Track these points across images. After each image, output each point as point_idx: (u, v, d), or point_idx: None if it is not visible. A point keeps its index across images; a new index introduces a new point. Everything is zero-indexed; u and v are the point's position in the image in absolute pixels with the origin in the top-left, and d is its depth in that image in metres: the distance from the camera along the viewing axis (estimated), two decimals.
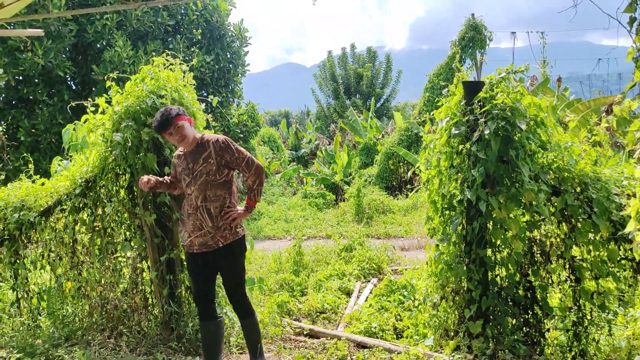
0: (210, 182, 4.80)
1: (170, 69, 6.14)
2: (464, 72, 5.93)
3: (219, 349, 5.06)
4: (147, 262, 6.06)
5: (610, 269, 5.01)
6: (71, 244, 6.28)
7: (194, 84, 6.36)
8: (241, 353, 5.75)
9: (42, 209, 6.30)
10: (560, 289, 5.31)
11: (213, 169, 4.81)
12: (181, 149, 4.94)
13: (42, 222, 6.28)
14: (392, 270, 9.89)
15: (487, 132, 5.11)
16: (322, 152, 28.38)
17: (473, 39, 21.50)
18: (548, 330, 5.38)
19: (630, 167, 5.12)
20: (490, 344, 5.19)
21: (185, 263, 4.99)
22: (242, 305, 5.02)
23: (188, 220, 4.83)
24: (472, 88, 5.44)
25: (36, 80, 16.77)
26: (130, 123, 5.71)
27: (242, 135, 22.42)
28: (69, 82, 17.88)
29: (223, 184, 4.87)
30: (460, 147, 5.41)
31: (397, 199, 19.84)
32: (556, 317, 5.34)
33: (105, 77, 6.25)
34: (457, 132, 5.44)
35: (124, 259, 6.20)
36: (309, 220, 17.54)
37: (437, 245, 5.65)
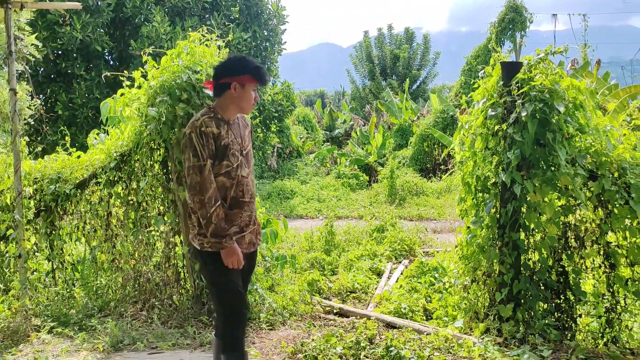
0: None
1: (206, 45, 6.20)
2: (501, 54, 5.89)
3: None
4: (179, 237, 6.17)
5: None
6: (106, 216, 6.42)
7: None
8: (270, 329, 5.84)
9: (77, 181, 6.44)
10: (593, 275, 5.28)
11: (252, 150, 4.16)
12: (210, 121, 3.76)
13: (78, 194, 6.42)
14: (423, 252, 9.90)
15: (524, 114, 5.08)
16: (356, 133, 28.31)
17: (513, 20, 21.16)
18: (580, 316, 5.37)
19: None
20: (520, 328, 5.20)
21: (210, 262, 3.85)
22: None
23: (241, 212, 3.93)
24: (510, 69, 5.41)
25: (74, 55, 16.97)
26: (165, 98, 5.78)
27: (276, 114, 22.49)
28: (106, 57, 18.07)
29: None
30: (496, 128, 5.39)
31: (431, 182, 19.78)
32: (589, 303, 5.31)
33: (142, 52, 6.33)
34: (493, 113, 5.42)
35: (157, 233, 6.31)
36: (342, 201, 17.60)
37: (469, 227, 5.65)
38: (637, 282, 5.04)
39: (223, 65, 3.93)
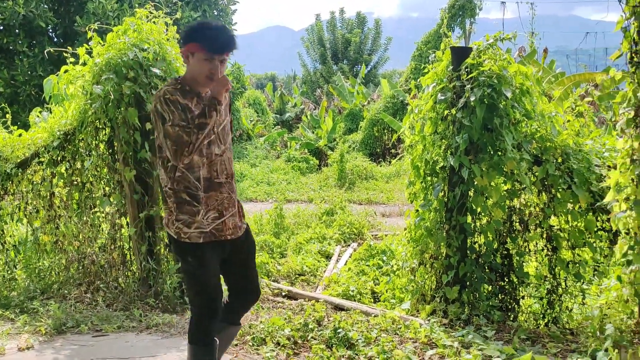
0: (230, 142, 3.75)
1: (154, 22, 6.08)
2: (451, 40, 5.94)
3: None
4: (126, 219, 6.07)
5: (587, 239, 5.11)
6: (48, 197, 6.26)
7: (178, 39, 6.31)
8: None
9: (19, 160, 6.26)
10: (536, 257, 5.41)
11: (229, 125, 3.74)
12: (174, 91, 3.36)
13: (19, 173, 6.25)
14: (372, 235, 9.99)
15: (472, 98, 5.14)
16: (307, 117, 28.31)
17: (463, 7, 21.41)
18: (523, 297, 5.49)
19: (612, 138, 5.20)
20: (465, 309, 5.29)
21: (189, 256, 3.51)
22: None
23: (217, 194, 3.49)
24: (459, 54, 5.46)
25: (17, 30, 16.48)
26: (111, 76, 5.65)
27: None
28: (50, 33, 17.60)
29: None
30: (445, 113, 5.45)
31: (380, 166, 19.95)
32: (531, 285, 5.45)
33: (88, 29, 6.16)
34: (442, 98, 5.47)
35: (103, 215, 6.20)
36: (292, 184, 17.61)
37: (418, 211, 5.71)
38: (577, 265, 5.18)
39: (182, 34, 3.61)
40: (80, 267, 6.18)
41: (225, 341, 3.82)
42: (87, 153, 6.06)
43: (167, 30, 6.15)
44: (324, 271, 7.80)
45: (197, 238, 3.42)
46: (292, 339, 4.89)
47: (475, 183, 5.24)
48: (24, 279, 6.36)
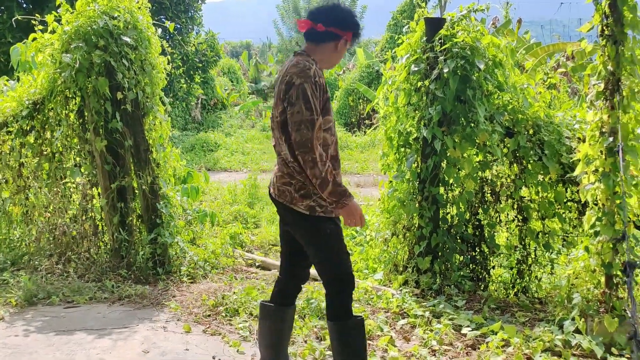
0: None
1: None
2: (426, 9, 5.91)
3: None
4: (97, 189, 6.01)
5: (556, 210, 5.18)
6: (17, 167, 6.17)
7: (149, 7, 6.20)
8: (192, 282, 5.80)
9: None
10: (507, 228, 5.48)
11: None
12: (320, 72, 3.38)
13: None
14: None
15: (446, 70, 5.14)
16: None
17: None
18: (493, 267, 5.57)
19: (583, 111, 5.24)
20: (437, 279, 5.36)
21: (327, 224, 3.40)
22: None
23: (339, 171, 3.47)
24: (433, 25, 5.44)
25: None
26: (80, 44, 5.56)
27: (201, 65, 22.03)
28: (19, 0, 17.18)
29: None
30: (419, 84, 5.44)
31: (355, 136, 19.95)
32: (502, 255, 5.52)
33: None
34: (416, 69, 5.46)
35: (73, 185, 6.13)
36: (267, 154, 17.50)
37: (391, 182, 5.73)
38: (546, 235, 5.25)
39: (334, 12, 3.46)
40: (51, 238, 6.13)
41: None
42: (57, 123, 5.96)
43: None
44: None
45: (330, 213, 3.36)
46: None
47: (448, 154, 5.27)
48: None
